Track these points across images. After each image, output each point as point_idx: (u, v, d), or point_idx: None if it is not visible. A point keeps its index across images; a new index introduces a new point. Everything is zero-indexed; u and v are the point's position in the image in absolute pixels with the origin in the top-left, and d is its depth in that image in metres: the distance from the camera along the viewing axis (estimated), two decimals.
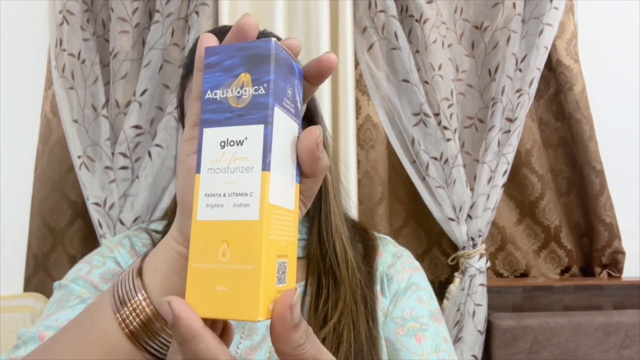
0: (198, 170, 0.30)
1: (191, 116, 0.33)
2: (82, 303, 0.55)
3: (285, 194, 0.31)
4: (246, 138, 0.30)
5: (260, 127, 0.29)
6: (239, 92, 0.30)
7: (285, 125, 0.31)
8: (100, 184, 1.09)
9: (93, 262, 0.61)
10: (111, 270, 0.61)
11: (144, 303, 0.33)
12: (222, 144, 0.30)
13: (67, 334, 0.36)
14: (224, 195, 0.29)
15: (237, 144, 0.30)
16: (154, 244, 0.65)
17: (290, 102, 0.32)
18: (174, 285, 0.33)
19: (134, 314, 0.33)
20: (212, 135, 0.30)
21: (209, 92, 0.31)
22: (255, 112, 0.30)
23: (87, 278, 0.59)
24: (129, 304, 0.33)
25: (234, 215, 0.29)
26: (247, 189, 0.29)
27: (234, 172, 0.29)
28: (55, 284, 0.60)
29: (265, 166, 0.29)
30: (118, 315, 0.33)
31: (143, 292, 0.33)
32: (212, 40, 0.32)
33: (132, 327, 0.33)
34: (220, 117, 0.30)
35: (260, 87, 0.30)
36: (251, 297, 0.28)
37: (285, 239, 0.31)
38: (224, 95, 0.30)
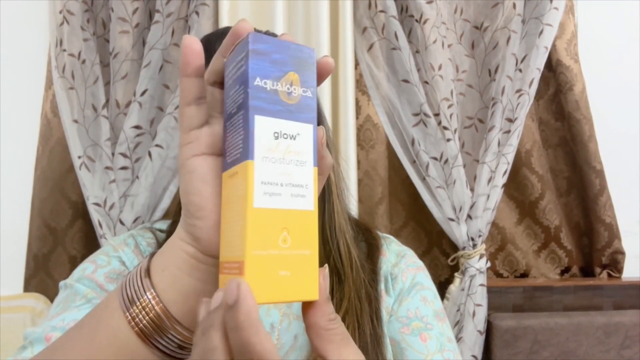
0: (251, 157, 0.30)
1: (184, 121, 0.33)
2: (87, 303, 0.55)
3: None
4: (298, 134, 0.32)
5: (310, 126, 0.32)
6: (288, 89, 0.32)
7: None
8: (100, 184, 1.09)
9: (98, 262, 0.61)
10: (116, 270, 0.60)
11: (153, 301, 0.33)
12: (276, 135, 0.31)
13: (74, 334, 0.36)
14: (282, 185, 0.31)
15: (290, 138, 0.31)
16: (159, 243, 0.65)
17: None
18: (183, 284, 0.34)
19: (143, 312, 0.33)
20: (266, 124, 0.31)
21: (258, 78, 0.31)
22: (306, 112, 0.32)
23: (93, 278, 0.59)
24: (138, 303, 0.34)
25: (292, 205, 0.31)
26: (302, 181, 0.31)
27: (289, 164, 0.31)
28: (61, 283, 0.60)
29: (315, 163, 0.32)
30: (127, 314, 0.34)
31: (152, 290, 0.34)
32: (196, 44, 0.33)
33: (141, 325, 0.33)
34: (272, 107, 0.31)
35: (308, 90, 0.32)
36: (312, 279, 0.30)
37: None
38: (274, 87, 0.31)
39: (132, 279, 0.35)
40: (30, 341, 0.51)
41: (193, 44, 0.33)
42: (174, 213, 0.72)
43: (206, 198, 0.33)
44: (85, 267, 0.60)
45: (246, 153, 0.30)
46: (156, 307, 0.33)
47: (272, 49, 0.32)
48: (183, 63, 0.32)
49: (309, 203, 0.31)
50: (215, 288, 0.34)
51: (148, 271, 0.35)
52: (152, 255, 0.36)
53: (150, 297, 0.34)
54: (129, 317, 0.33)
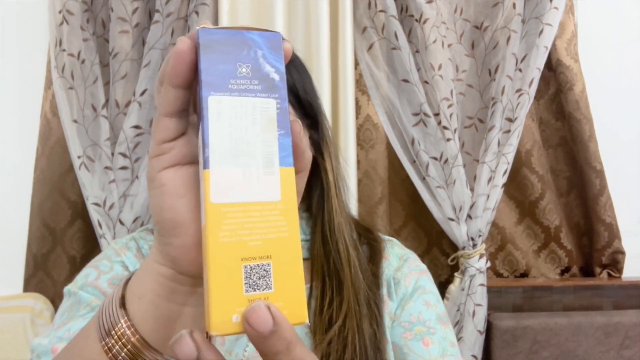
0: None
1: (159, 133, 0.30)
2: (92, 311, 0.55)
3: (252, 185, 0.28)
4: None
5: (201, 123, 0.28)
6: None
7: (238, 110, 0.28)
8: (100, 184, 1.09)
9: (101, 267, 0.61)
10: (119, 275, 0.60)
11: (128, 332, 0.32)
12: None
13: None
14: None
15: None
16: None
17: (250, 79, 0.29)
18: (162, 311, 0.32)
19: (119, 343, 0.32)
20: None
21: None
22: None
23: (96, 285, 0.58)
24: (113, 333, 0.32)
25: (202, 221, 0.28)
26: (201, 192, 0.28)
27: None
28: (65, 289, 0.59)
29: (205, 164, 0.27)
30: (104, 342, 0.32)
31: (127, 320, 0.32)
32: (190, 54, 0.30)
33: (120, 358, 0.32)
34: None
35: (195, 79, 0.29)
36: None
37: (262, 237, 0.27)
38: None
39: (106, 309, 0.33)
40: (37, 354, 0.51)
41: (185, 54, 0.29)
42: None
43: (181, 213, 0.30)
44: (88, 273, 0.60)
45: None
46: (132, 339, 0.32)
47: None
48: (173, 72, 0.29)
49: (203, 216, 0.28)
50: (195, 311, 0.33)
51: (123, 299, 0.33)
52: (127, 281, 0.34)
53: (125, 326, 0.32)
54: (106, 347, 0.32)
